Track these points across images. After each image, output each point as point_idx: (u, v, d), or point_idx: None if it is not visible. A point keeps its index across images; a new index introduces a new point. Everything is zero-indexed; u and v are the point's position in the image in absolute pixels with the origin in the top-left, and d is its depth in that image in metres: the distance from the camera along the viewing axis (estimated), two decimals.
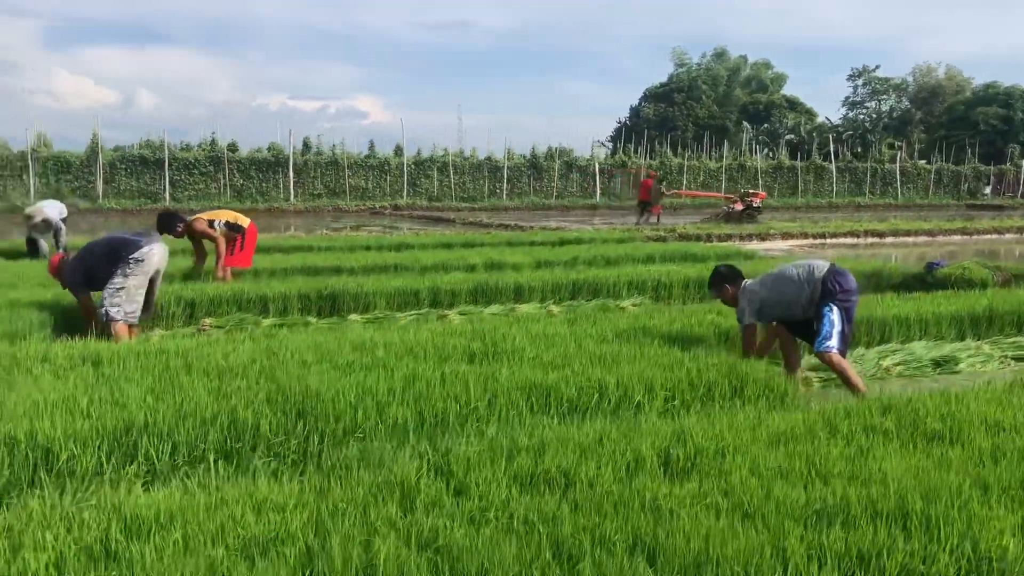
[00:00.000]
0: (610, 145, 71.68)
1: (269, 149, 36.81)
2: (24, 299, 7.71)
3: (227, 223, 9.77)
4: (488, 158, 39.99)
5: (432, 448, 3.79)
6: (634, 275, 10.47)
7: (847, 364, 5.96)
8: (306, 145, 38.94)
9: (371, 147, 39.11)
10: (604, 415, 4.69)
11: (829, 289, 5.96)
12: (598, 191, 41.30)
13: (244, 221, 9.93)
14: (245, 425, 4.12)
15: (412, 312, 8.87)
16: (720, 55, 74.59)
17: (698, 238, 19.64)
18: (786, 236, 21.00)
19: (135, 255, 7.06)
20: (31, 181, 31.31)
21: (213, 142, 35.63)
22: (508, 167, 39.74)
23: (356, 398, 4.50)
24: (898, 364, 6.94)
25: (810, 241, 20.76)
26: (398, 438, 4.18)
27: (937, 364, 7.06)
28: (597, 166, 41.79)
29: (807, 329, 6.07)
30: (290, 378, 4.83)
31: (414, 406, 4.51)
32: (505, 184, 39.45)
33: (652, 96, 71.65)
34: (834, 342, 5.83)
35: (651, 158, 44.99)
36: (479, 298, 9.55)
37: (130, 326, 7.06)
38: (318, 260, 11.85)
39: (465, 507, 3.17)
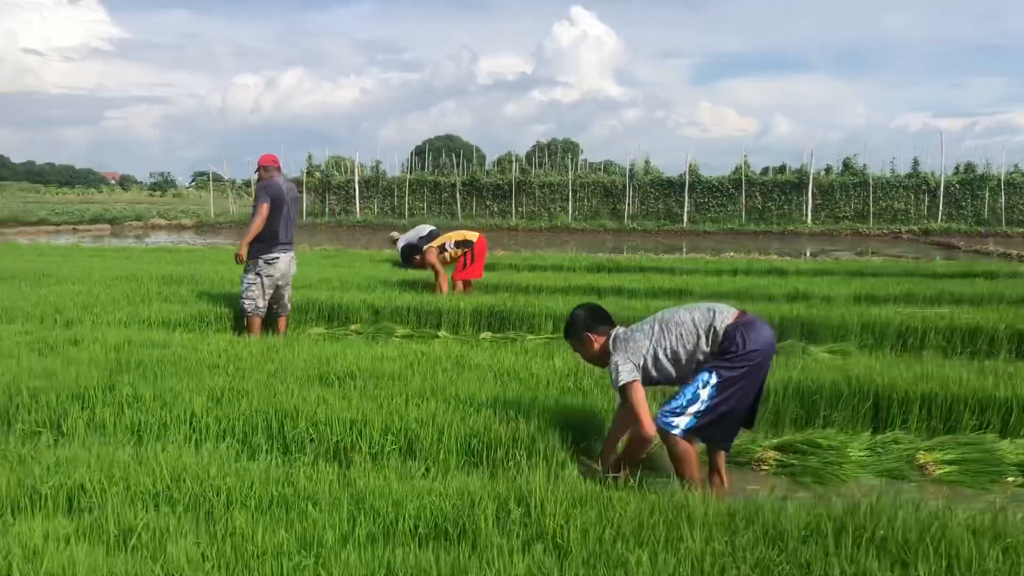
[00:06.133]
0: None
1: (799, 170, 35.83)
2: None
3: (456, 242, 10.39)
4: None
5: None
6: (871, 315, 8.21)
7: (691, 454, 4.18)
8: (846, 166, 36.97)
9: (915, 164, 35.40)
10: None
11: (727, 348, 4.15)
12: None
13: (472, 236, 10.48)
14: None
15: (552, 335, 8.44)
16: None
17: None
18: None
19: (266, 256, 7.95)
20: (569, 204, 35.57)
21: (736, 169, 35.97)
22: None
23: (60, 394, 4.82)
24: (948, 462, 4.45)
25: None
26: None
27: None
28: None
29: None
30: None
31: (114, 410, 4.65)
32: None
33: None
34: (683, 422, 4.11)
35: None
36: None
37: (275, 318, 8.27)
38: (605, 281, 11.63)
39: None
